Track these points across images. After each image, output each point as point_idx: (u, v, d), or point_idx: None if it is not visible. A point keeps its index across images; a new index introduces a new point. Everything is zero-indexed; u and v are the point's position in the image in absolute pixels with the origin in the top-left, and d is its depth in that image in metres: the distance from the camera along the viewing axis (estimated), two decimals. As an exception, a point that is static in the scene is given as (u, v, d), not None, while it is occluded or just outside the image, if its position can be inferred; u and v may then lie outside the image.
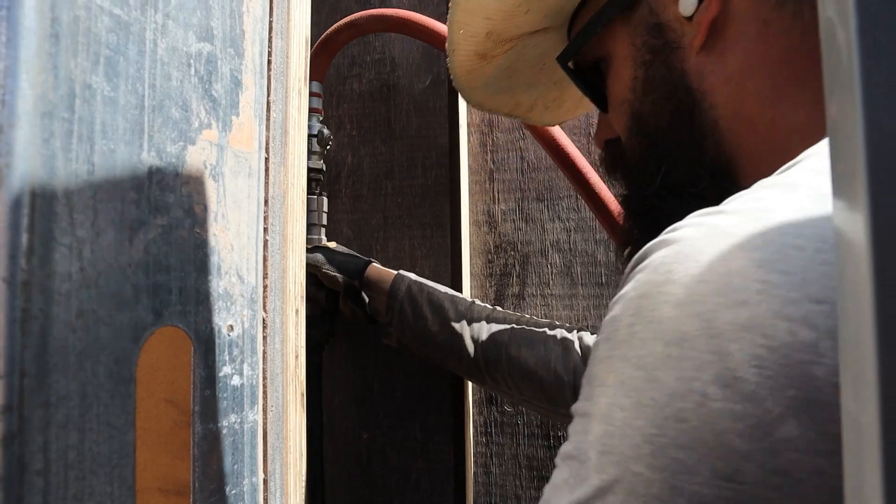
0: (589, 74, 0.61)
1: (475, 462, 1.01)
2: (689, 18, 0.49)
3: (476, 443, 1.02)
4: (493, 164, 1.03)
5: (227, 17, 0.42)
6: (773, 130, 0.47)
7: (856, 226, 0.19)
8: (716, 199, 0.37)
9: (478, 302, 0.86)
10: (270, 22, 0.47)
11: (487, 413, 1.02)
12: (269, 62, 0.46)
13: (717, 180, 0.49)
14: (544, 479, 0.98)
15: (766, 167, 0.39)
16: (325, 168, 0.95)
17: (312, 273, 0.89)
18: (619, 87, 0.56)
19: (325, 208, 0.95)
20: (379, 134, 1.07)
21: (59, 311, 0.29)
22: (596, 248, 0.98)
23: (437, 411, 0.99)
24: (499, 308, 0.86)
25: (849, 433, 0.20)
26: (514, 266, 1.01)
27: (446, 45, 0.66)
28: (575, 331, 0.82)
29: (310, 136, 0.93)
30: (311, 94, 0.95)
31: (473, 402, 1.02)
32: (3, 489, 0.26)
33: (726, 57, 0.48)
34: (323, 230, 0.95)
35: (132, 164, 0.34)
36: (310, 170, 0.93)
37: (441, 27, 0.90)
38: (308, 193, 0.93)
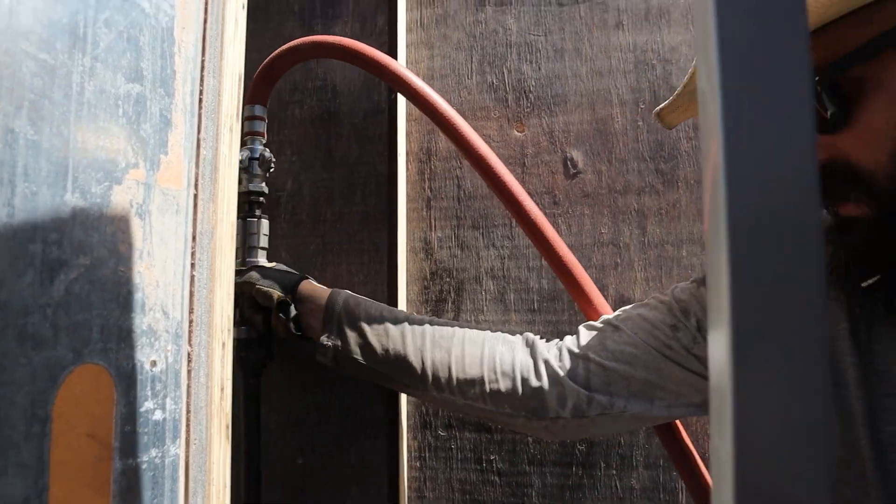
0: (834, 91, 0.60)
1: (409, 486, 1.02)
2: None
3: (410, 467, 1.03)
4: (431, 191, 1.06)
5: (158, 58, 0.43)
6: None
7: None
8: None
9: (414, 313, 0.87)
10: (203, 61, 0.48)
11: (422, 438, 1.03)
12: (201, 101, 0.47)
13: None
14: (477, 502, 0.99)
15: None
16: (266, 191, 0.96)
17: (251, 296, 0.89)
18: (892, 113, 0.57)
19: (266, 231, 0.96)
20: (319, 160, 1.08)
21: (-25, 352, 0.30)
22: (529, 275, 1.01)
23: (372, 437, 1.00)
24: (435, 318, 0.87)
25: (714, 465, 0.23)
26: (450, 292, 1.03)
27: None
28: (519, 334, 0.84)
29: (251, 159, 0.94)
30: (255, 118, 0.96)
31: (408, 426, 1.03)
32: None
33: None
34: (263, 252, 0.96)
35: (55, 205, 0.34)
36: (251, 192, 0.94)
37: (381, 56, 0.92)
38: (249, 216, 0.93)
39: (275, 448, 1.03)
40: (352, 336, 0.83)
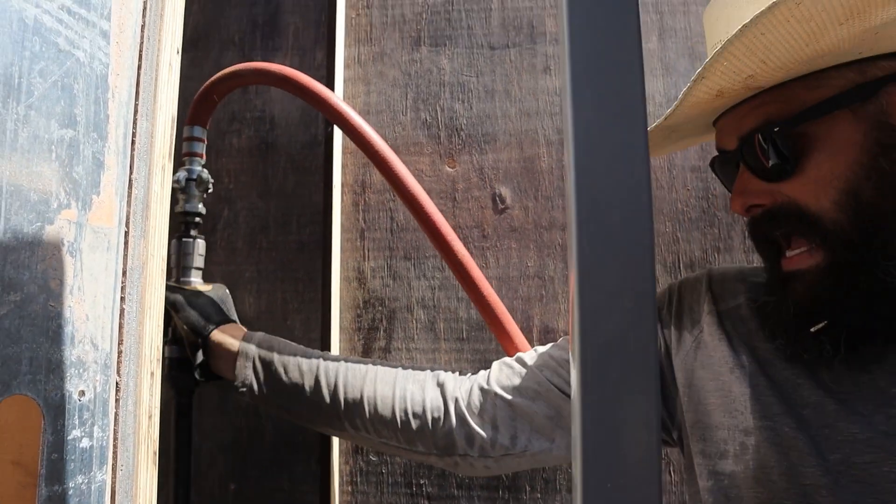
0: (784, 143, 0.66)
1: (340, 512, 1.04)
2: None
3: (342, 492, 1.05)
4: (365, 223, 1.09)
5: (92, 104, 0.46)
6: None
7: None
8: None
9: (328, 353, 0.89)
10: (136, 105, 0.51)
11: (353, 462, 1.05)
12: (133, 143, 0.50)
13: None
14: (406, 525, 1.02)
15: None
16: (203, 212, 0.96)
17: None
18: (835, 165, 0.62)
19: (202, 251, 0.96)
20: (256, 189, 1.11)
21: None
22: (458, 305, 1.05)
23: (304, 461, 1.02)
24: (350, 357, 0.89)
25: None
26: (382, 321, 1.06)
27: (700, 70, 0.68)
28: (430, 371, 0.86)
29: (188, 179, 0.94)
30: (194, 139, 0.97)
31: (340, 451, 1.06)
32: None
33: None
34: (199, 273, 0.96)
35: (-12, 245, 0.37)
36: (187, 213, 0.94)
37: (320, 88, 0.95)
38: (184, 236, 0.94)
39: (207, 473, 1.04)
40: (266, 382, 0.85)
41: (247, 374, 0.85)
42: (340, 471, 1.05)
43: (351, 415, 0.83)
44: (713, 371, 0.73)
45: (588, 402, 0.27)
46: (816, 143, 0.64)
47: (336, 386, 0.84)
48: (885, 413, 0.61)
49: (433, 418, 0.81)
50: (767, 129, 0.66)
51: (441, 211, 1.04)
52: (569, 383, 0.78)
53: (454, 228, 1.03)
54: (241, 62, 1.15)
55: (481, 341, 1.04)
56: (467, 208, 1.07)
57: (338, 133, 1.10)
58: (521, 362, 0.83)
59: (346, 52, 1.15)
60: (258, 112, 1.13)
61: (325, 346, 1.03)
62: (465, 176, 1.08)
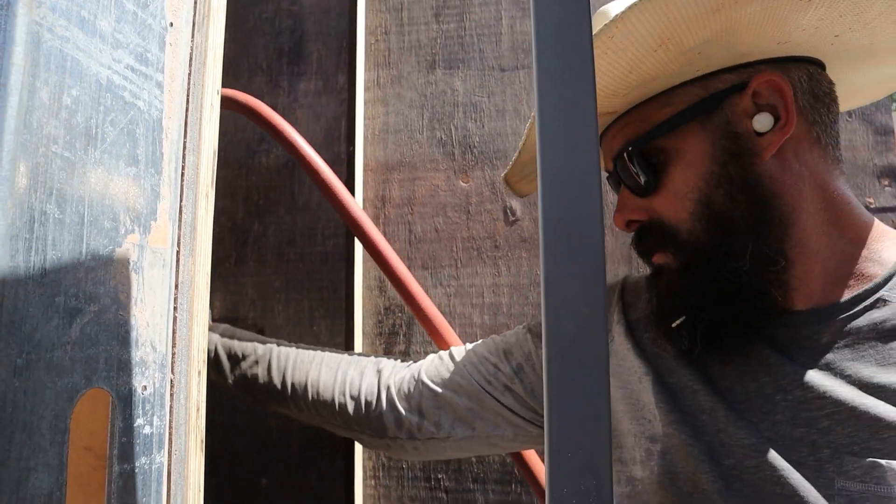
0: (645, 160, 0.70)
1: (364, 503, 1.12)
2: (760, 134, 0.66)
3: (365, 486, 1.13)
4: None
5: (150, 145, 0.54)
6: (827, 225, 0.67)
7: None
8: (779, 276, 0.62)
9: (284, 341, 0.98)
10: (185, 142, 0.59)
11: (376, 458, 1.13)
12: (182, 174, 0.59)
13: (786, 263, 0.65)
14: (425, 517, 1.10)
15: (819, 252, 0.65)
16: None
17: None
18: (688, 177, 0.68)
19: None
20: (283, 205, 1.19)
21: (15, 380, 0.40)
22: (472, 311, 1.12)
23: (330, 458, 1.10)
24: (303, 344, 0.98)
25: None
26: (402, 326, 1.14)
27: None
28: (374, 357, 0.94)
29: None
30: None
31: (363, 448, 1.13)
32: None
33: (790, 164, 0.67)
34: None
35: (73, 266, 0.45)
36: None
37: (274, 117, 1.04)
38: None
39: (240, 469, 1.12)
40: (229, 368, 0.95)
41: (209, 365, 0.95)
42: (364, 466, 1.13)
43: (296, 396, 0.91)
44: (622, 380, 0.76)
45: (553, 389, 0.35)
46: (673, 158, 0.69)
47: (285, 370, 0.92)
48: (769, 420, 0.64)
49: (367, 402, 0.88)
50: (625, 148, 0.72)
51: (455, 223, 1.12)
52: (487, 379, 0.85)
53: (468, 239, 1.11)
54: (268, 87, 1.24)
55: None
56: (480, 220, 1.15)
57: (359, 151, 1.19)
58: (451, 357, 0.90)
59: (367, 75, 1.23)
60: (285, 133, 1.22)
61: (349, 349, 1.11)
62: (478, 190, 1.16)
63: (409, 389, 0.88)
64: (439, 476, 1.10)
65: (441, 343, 1.00)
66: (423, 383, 0.88)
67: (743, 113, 0.67)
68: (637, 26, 0.61)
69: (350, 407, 0.89)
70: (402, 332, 1.14)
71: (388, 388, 0.89)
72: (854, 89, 0.80)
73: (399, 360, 0.94)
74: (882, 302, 0.64)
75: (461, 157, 1.18)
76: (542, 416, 0.82)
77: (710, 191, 0.67)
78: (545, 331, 0.35)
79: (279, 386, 0.92)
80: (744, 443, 0.64)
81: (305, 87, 1.23)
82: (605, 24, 0.61)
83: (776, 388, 0.65)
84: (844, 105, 0.81)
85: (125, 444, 0.49)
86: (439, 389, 0.87)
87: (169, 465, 0.54)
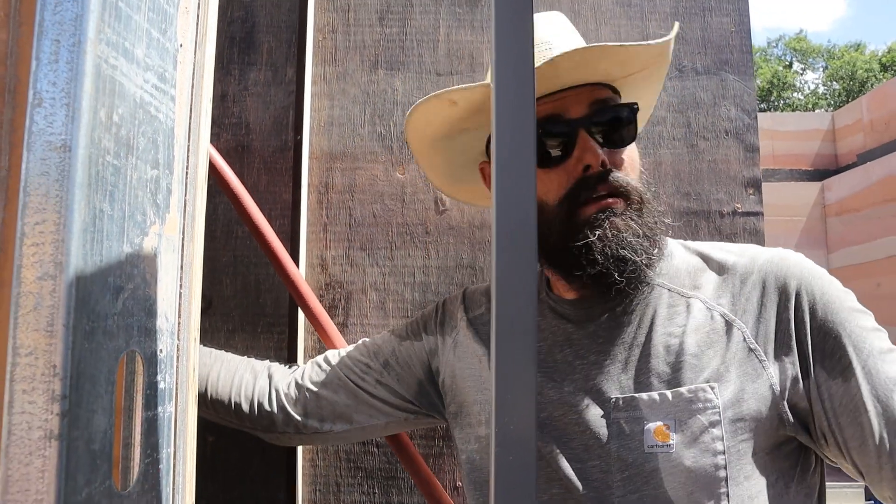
0: (633, 120, 0.91)
1: (303, 458, 1.25)
2: None
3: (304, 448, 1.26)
4: (327, 218, 1.30)
5: (166, 150, 0.65)
6: None
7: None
8: None
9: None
10: (188, 145, 0.70)
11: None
12: (187, 174, 0.70)
13: None
14: (360, 468, 1.24)
15: None
16: None
17: None
18: (637, 155, 0.94)
19: None
20: (232, 186, 1.29)
21: (86, 342, 0.52)
22: (405, 288, 1.27)
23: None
24: (204, 347, 1.11)
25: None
26: (341, 301, 1.27)
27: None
28: (268, 362, 1.10)
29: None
30: None
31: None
32: (58, 442, 0.49)
33: None
34: None
35: (119, 252, 0.57)
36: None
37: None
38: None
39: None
40: None
41: None
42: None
43: (199, 395, 1.05)
44: (467, 362, 0.98)
45: (500, 356, 0.50)
46: (634, 135, 0.93)
47: None
48: (570, 380, 0.89)
49: (259, 403, 1.04)
50: (633, 104, 0.91)
51: (391, 210, 1.25)
52: (360, 377, 1.04)
53: (402, 225, 1.25)
54: (219, 77, 1.32)
55: (423, 319, 1.26)
56: (414, 209, 1.29)
57: (306, 140, 1.30)
58: (328, 362, 1.07)
59: (314, 70, 1.34)
60: (235, 118, 1.31)
61: (293, 322, 1.23)
62: (413, 182, 1.30)
63: (295, 394, 1.05)
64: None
65: (327, 341, 1.15)
66: (306, 388, 1.04)
67: None
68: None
69: (245, 406, 1.05)
70: (340, 307, 1.28)
71: (278, 391, 1.05)
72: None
73: (286, 367, 1.10)
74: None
75: (399, 151, 1.31)
76: (410, 401, 1.04)
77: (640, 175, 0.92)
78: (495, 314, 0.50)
79: None
80: (552, 398, 0.88)
81: (255, 77, 1.32)
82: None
83: (575, 356, 0.90)
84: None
85: (149, 395, 0.61)
86: (319, 390, 1.04)
87: (175, 413, 0.67)
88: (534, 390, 0.50)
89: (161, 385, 0.64)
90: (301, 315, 1.26)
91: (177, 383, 0.67)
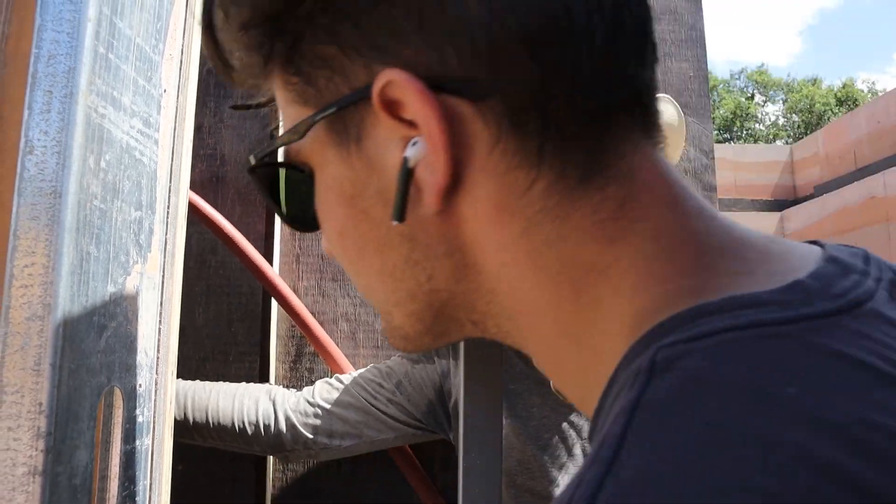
0: None
1: (272, 486, 1.26)
2: None
3: (275, 469, 1.27)
4: (300, 249, 1.32)
5: (149, 191, 0.68)
6: None
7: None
8: None
9: (180, 379, 1.13)
10: (170, 186, 0.73)
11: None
12: (168, 213, 0.72)
13: None
14: (330, 495, 1.26)
15: None
16: None
17: None
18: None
19: None
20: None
21: (71, 380, 0.54)
22: (375, 319, 1.30)
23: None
24: (199, 381, 1.14)
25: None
26: (312, 331, 1.30)
27: None
28: (265, 386, 1.14)
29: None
30: None
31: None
32: (42, 478, 0.51)
33: None
34: None
35: (103, 293, 0.59)
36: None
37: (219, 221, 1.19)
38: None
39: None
40: None
41: None
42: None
43: (199, 427, 1.08)
44: None
45: (468, 382, 0.53)
46: None
47: (185, 404, 1.08)
48: (535, 416, 0.98)
49: (265, 425, 1.08)
50: None
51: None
52: (373, 395, 1.09)
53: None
54: (196, 106, 1.35)
55: (393, 350, 1.29)
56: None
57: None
58: (340, 381, 1.13)
59: (289, 104, 1.37)
60: (210, 150, 1.34)
61: (265, 351, 1.25)
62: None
63: (305, 411, 1.08)
64: (339, 462, 1.26)
65: (334, 367, 1.18)
66: (318, 405, 1.08)
67: None
68: None
69: (250, 430, 1.07)
70: (312, 336, 1.30)
71: (285, 411, 1.08)
72: None
73: (286, 389, 1.14)
74: None
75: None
76: (419, 420, 1.09)
77: None
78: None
79: (181, 419, 1.07)
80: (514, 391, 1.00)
81: (231, 109, 1.35)
82: None
83: (542, 402, 0.99)
84: None
85: (128, 429, 0.63)
86: (331, 407, 1.08)
87: (152, 446, 0.69)
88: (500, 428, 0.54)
89: (140, 419, 0.66)
90: (273, 344, 1.28)
91: (154, 416, 0.69)
